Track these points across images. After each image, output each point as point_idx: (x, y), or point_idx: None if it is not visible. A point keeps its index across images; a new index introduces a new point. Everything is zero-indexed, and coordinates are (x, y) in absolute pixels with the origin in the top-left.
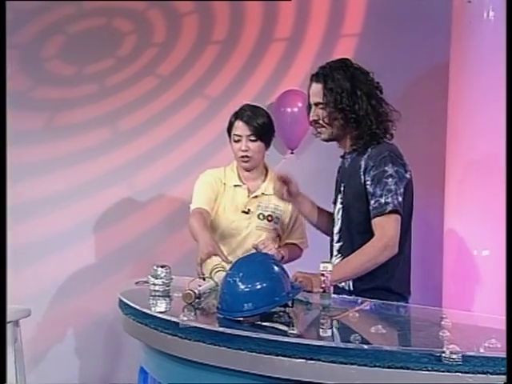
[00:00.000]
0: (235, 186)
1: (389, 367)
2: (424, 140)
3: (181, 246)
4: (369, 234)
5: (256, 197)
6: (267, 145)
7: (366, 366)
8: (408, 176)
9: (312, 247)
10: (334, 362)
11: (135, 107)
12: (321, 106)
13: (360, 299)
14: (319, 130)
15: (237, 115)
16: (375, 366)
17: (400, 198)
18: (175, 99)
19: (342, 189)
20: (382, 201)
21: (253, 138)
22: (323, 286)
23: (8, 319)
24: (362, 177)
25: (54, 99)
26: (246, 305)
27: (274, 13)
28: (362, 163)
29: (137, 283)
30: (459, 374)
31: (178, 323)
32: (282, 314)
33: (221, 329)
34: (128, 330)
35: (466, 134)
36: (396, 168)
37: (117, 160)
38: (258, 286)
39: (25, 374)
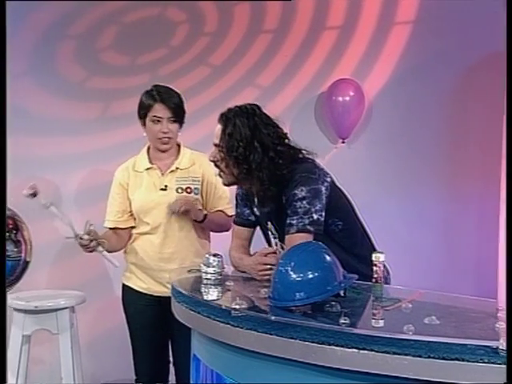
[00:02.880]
0: (147, 169)
1: (443, 358)
2: (480, 127)
3: None
4: None
5: (172, 171)
6: (181, 125)
7: (419, 357)
8: (326, 184)
9: None
10: (387, 353)
11: (187, 97)
12: (218, 148)
13: (413, 290)
14: (219, 172)
15: (154, 97)
16: (429, 357)
17: (315, 216)
18: (227, 88)
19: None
20: (288, 222)
21: (173, 119)
22: (375, 276)
23: (64, 305)
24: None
25: (108, 89)
26: (297, 294)
27: (326, 0)
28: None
29: (189, 271)
30: None
31: (229, 311)
32: (333, 303)
33: (273, 317)
34: (181, 317)
35: None
36: (308, 187)
37: None
38: (310, 276)
39: (81, 359)
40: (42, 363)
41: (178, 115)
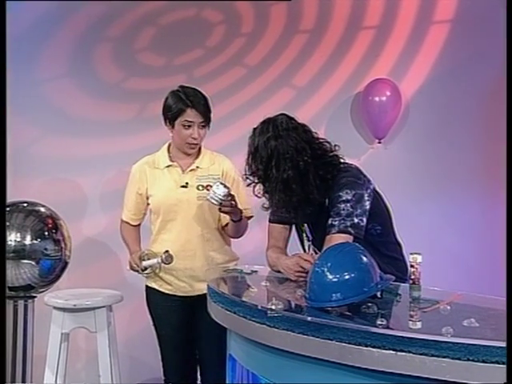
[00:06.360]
0: (167, 166)
1: (483, 361)
2: None
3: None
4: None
5: (192, 170)
6: (209, 127)
7: (458, 359)
8: (369, 191)
9: None
10: (425, 355)
11: (223, 97)
12: (266, 183)
13: (451, 291)
14: (268, 200)
15: (185, 102)
16: (468, 360)
17: (356, 220)
18: (262, 89)
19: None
20: (329, 222)
21: (203, 124)
22: (413, 277)
23: (102, 304)
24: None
25: (144, 90)
26: (334, 295)
27: (363, 0)
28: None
29: (225, 271)
30: None
31: (266, 312)
32: (370, 304)
33: (309, 318)
34: (217, 317)
35: None
36: (354, 191)
37: None
38: (347, 277)
39: (118, 357)
40: (81, 361)
41: (208, 119)
